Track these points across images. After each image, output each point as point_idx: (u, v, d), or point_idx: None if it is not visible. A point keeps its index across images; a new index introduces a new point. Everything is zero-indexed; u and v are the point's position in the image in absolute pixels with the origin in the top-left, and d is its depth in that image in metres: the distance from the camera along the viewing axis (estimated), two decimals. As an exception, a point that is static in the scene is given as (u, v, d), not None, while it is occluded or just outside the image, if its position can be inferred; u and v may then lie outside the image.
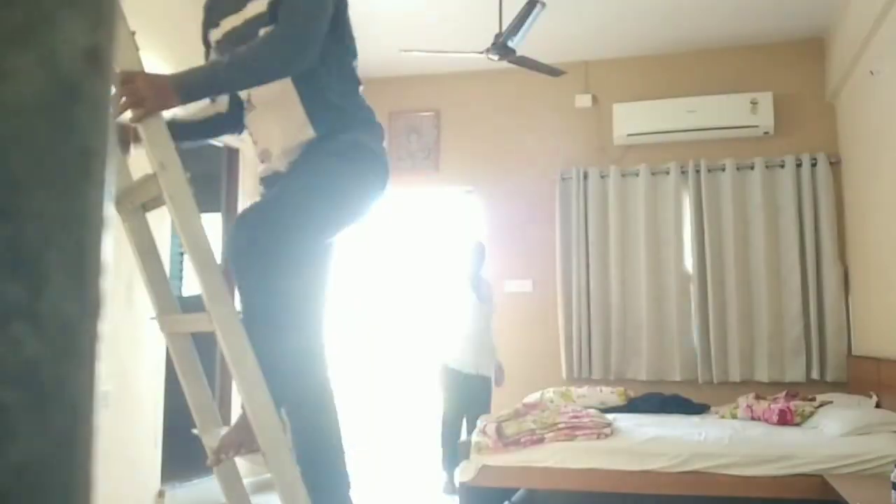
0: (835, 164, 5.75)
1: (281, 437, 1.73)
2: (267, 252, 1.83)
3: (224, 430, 1.96)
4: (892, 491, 3.08)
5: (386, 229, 6.58)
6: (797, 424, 4.40)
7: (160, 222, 3.15)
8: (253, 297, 1.87)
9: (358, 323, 6.37)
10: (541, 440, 4.12)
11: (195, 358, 2.11)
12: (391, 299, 6.62)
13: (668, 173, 6.01)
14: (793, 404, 4.52)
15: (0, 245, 0.33)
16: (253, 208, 1.93)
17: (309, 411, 1.98)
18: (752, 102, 5.78)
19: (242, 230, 1.85)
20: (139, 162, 1.98)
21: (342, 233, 2.07)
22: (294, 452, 1.86)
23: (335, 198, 1.99)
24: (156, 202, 1.92)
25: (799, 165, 5.79)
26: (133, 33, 1.83)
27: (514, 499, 4.65)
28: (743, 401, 4.91)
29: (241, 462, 1.95)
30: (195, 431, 2.18)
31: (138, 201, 1.99)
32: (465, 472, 4.19)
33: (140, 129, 1.73)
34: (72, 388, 0.35)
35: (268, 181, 2.17)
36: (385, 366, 6.58)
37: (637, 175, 6.06)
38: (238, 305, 1.87)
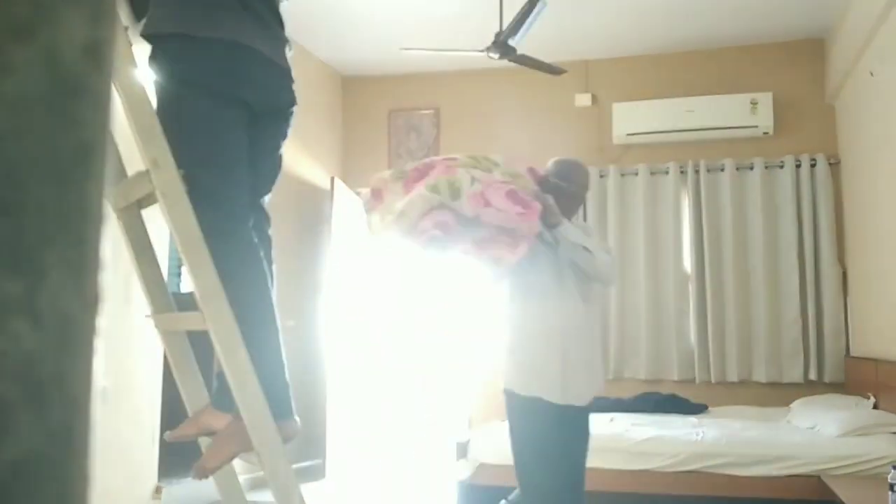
0: (834, 165, 5.76)
1: (275, 435, 1.72)
2: None
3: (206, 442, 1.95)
4: (889, 492, 3.08)
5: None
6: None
7: (161, 218, 3.14)
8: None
9: (362, 323, 6.36)
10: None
11: (191, 356, 2.10)
12: (391, 298, 6.62)
13: (667, 173, 6.01)
14: None
15: (-1, 239, 0.33)
16: None
17: None
18: (751, 103, 5.78)
19: None
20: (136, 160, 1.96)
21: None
22: None
23: None
24: (150, 199, 1.91)
25: (798, 166, 5.79)
26: (127, 28, 1.83)
27: (510, 497, 4.65)
28: None
29: (236, 459, 1.95)
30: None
31: (133, 198, 1.98)
32: (462, 470, 4.19)
33: (131, 123, 1.71)
34: (70, 382, 0.35)
35: None
36: (384, 366, 6.57)
37: (636, 175, 6.05)
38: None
